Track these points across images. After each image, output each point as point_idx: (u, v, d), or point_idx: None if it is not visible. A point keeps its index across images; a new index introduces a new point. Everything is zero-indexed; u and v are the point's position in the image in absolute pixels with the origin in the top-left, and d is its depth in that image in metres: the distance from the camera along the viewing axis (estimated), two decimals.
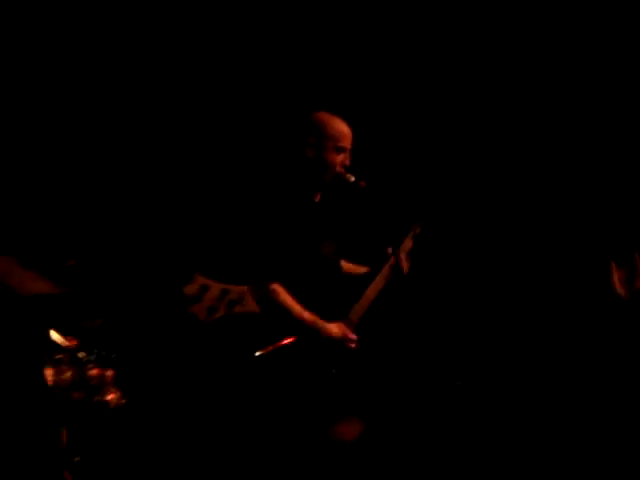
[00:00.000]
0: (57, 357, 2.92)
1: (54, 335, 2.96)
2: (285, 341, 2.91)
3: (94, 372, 2.92)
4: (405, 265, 3.14)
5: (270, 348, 2.92)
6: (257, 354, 2.91)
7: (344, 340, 2.97)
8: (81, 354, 2.95)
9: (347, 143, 3.02)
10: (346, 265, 3.26)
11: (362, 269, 3.27)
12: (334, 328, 2.97)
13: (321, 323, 2.95)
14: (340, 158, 3.01)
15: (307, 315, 2.94)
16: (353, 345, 2.98)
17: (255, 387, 3.03)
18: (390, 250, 3.11)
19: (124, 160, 4.01)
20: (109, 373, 2.94)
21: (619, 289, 3.37)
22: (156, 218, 3.91)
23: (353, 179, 3.01)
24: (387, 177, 3.49)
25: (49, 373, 2.92)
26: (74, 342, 2.95)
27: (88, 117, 4.01)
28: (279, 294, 2.91)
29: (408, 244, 3.22)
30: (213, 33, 4.24)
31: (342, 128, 3.02)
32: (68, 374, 2.91)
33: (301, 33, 4.29)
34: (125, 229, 3.93)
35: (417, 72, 4.40)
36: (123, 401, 2.96)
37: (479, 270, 4.11)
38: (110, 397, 2.93)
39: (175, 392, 3.73)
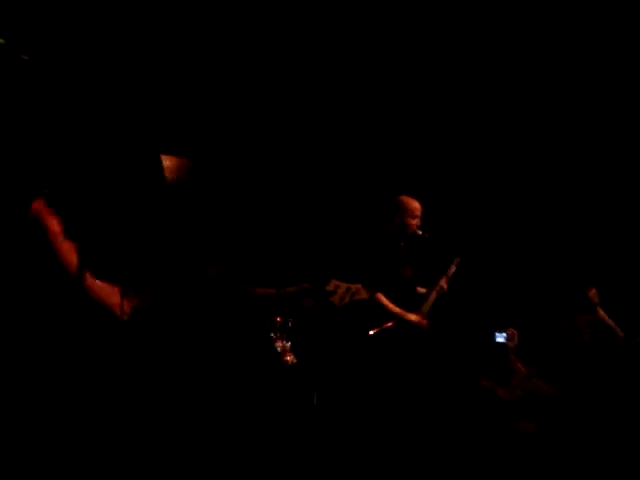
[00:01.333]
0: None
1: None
2: (388, 324, 5.10)
3: (279, 344, 5.00)
4: (445, 285, 5.39)
5: (378, 329, 5.11)
6: (371, 333, 5.09)
7: (421, 323, 5.20)
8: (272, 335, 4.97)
9: (418, 213, 5.29)
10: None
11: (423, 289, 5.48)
12: (414, 316, 5.18)
13: (408, 313, 5.18)
14: (415, 222, 5.28)
15: (399, 309, 5.17)
16: (425, 326, 5.21)
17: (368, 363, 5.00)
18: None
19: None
20: (288, 344, 5.02)
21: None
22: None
23: (420, 232, 5.27)
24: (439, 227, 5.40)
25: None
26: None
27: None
28: (382, 298, 5.14)
29: (452, 269, 5.46)
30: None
31: (415, 205, 5.30)
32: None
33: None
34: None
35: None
36: (295, 361, 4.99)
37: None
38: (289, 358, 4.99)
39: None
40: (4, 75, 3.25)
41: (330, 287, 4.66)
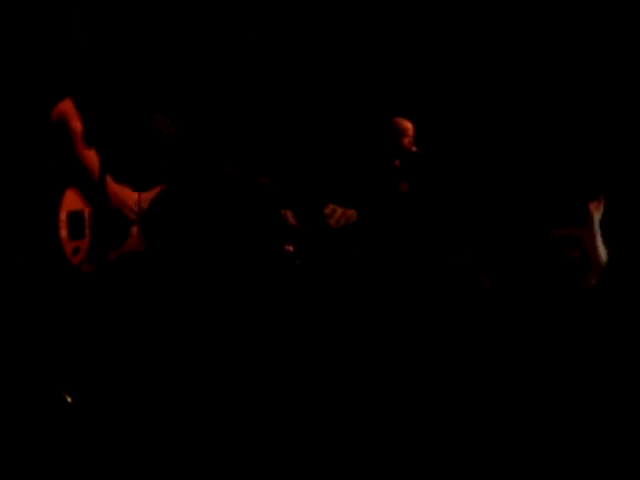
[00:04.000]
0: None
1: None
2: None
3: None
4: None
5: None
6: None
7: None
8: None
9: (410, 132, 5.63)
10: None
11: None
12: None
13: None
14: (407, 140, 5.67)
15: None
16: None
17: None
18: None
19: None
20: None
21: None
22: None
23: (414, 149, 5.65)
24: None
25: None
26: None
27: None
28: None
29: None
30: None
31: (407, 124, 5.67)
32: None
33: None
34: None
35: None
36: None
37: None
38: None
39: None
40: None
41: (327, 210, 5.09)
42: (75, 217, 4.07)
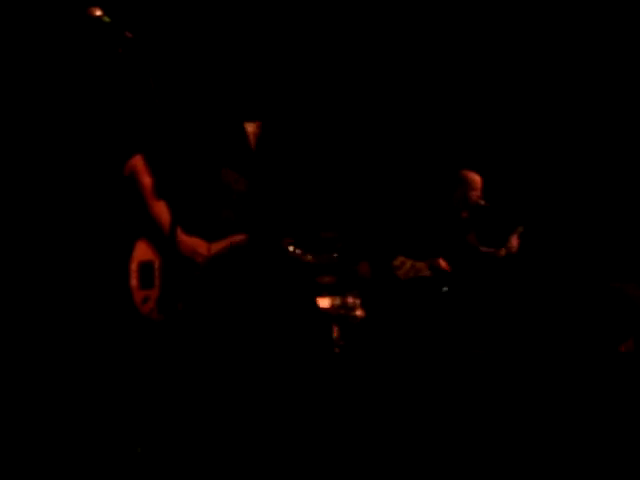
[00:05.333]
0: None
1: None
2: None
3: (350, 299, 5.49)
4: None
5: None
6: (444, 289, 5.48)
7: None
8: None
9: (479, 185, 5.72)
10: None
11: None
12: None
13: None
14: (476, 193, 5.71)
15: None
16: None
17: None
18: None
19: None
20: (357, 300, 5.51)
21: None
22: None
23: (482, 203, 5.70)
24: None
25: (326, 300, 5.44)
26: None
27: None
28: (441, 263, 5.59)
29: (514, 240, 5.84)
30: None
31: (476, 178, 5.74)
32: (337, 300, 5.46)
33: None
34: None
35: None
36: (364, 315, 5.48)
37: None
38: (358, 313, 5.49)
39: None
40: (108, 50, 3.57)
41: (397, 262, 5.16)
42: (145, 267, 4.16)
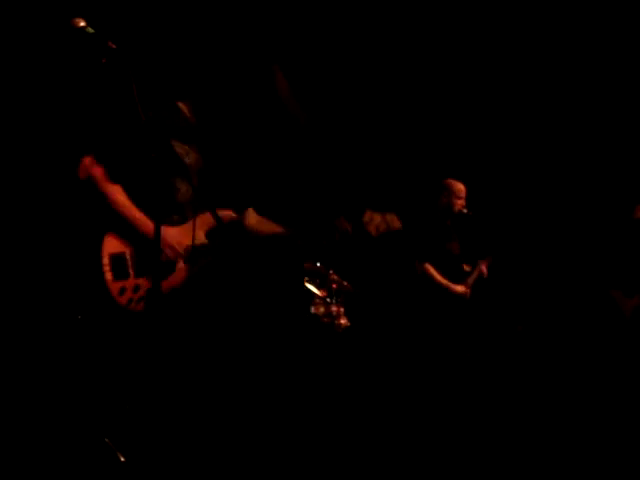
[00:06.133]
0: (317, 301, 5.53)
1: (314, 289, 5.55)
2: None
3: (334, 308, 5.54)
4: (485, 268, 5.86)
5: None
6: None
7: (465, 294, 5.69)
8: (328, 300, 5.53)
9: (463, 194, 5.78)
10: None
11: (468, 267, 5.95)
12: (460, 287, 5.68)
13: (453, 284, 5.67)
14: (460, 202, 5.77)
15: (445, 280, 5.66)
16: (468, 297, 5.69)
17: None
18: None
19: None
20: (342, 309, 5.56)
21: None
22: None
23: (466, 211, 5.75)
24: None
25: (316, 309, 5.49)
26: (325, 293, 5.56)
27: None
28: (429, 269, 5.64)
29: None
30: None
31: (460, 186, 5.79)
32: (322, 309, 5.50)
33: None
34: None
35: None
36: (349, 324, 5.53)
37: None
38: (342, 322, 5.53)
39: None
40: (92, 61, 3.55)
41: (366, 218, 5.13)
42: (117, 259, 4.13)
